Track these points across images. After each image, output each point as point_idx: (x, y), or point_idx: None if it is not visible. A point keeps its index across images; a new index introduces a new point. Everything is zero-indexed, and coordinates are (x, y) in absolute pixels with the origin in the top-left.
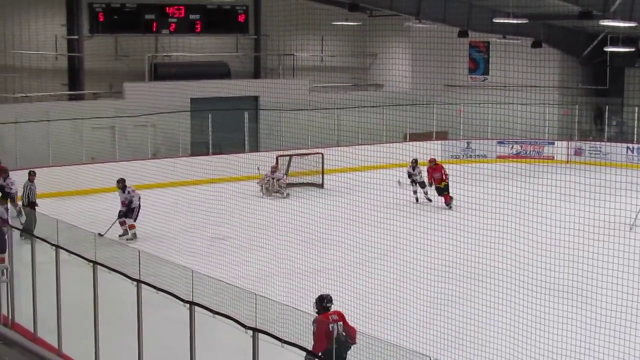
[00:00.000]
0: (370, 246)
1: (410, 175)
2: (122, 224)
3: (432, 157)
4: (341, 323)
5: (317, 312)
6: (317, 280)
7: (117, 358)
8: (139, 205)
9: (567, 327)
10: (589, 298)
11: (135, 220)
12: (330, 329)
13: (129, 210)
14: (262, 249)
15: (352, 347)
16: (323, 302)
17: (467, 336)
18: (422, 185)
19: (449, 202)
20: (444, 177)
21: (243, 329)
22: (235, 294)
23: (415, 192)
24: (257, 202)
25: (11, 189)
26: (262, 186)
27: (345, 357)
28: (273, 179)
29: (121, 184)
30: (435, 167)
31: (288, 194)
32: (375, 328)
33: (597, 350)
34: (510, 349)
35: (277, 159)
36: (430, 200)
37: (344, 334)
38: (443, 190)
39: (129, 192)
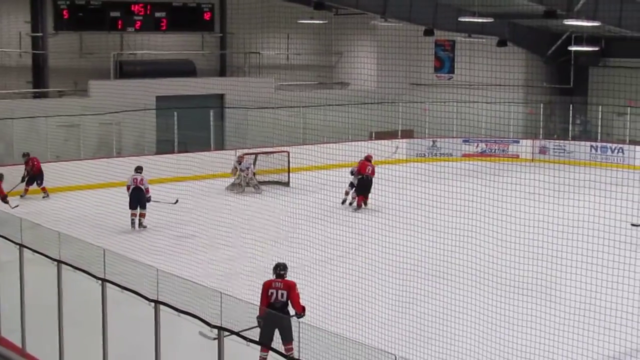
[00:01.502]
0: (335, 244)
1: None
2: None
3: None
4: (284, 292)
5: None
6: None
7: (81, 357)
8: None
9: (531, 325)
10: (552, 295)
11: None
12: (269, 294)
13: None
14: (228, 247)
15: (300, 321)
16: (276, 270)
17: (432, 334)
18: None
19: (360, 203)
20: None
21: (208, 328)
22: (201, 292)
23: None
24: (223, 200)
25: None
26: (240, 180)
27: (287, 326)
28: (242, 170)
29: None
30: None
31: (261, 190)
32: (341, 326)
33: (560, 347)
34: (475, 347)
35: (240, 157)
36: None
37: (282, 301)
38: (363, 190)
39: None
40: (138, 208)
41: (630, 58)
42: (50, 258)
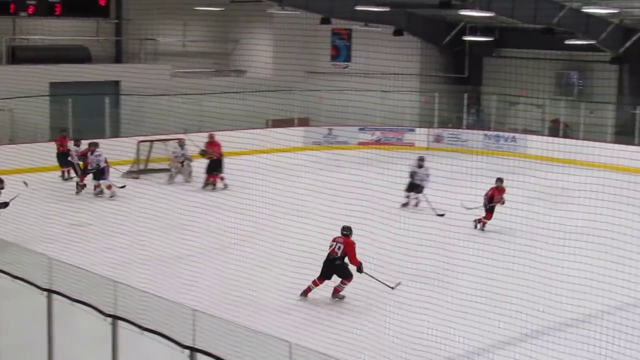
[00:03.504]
0: (230, 232)
1: None
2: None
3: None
4: (341, 246)
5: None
6: (178, 266)
7: None
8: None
9: (426, 311)
10: (446, 282)
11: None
12: (330, 247)
13: (99, 172)
14: (122, 235)
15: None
16: (342, 231)
17: (326, 321)
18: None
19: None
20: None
21: (102, 317)
22: (95, 281)
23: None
24: (118, 188)
25: None
26: (175, 171)
27: (341, 270)
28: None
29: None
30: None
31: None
32: (236, 314)
33: (453, 332)
34: (371, 333)
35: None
36: None
37: (337, 253)
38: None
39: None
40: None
41: (523, 49)
42: None
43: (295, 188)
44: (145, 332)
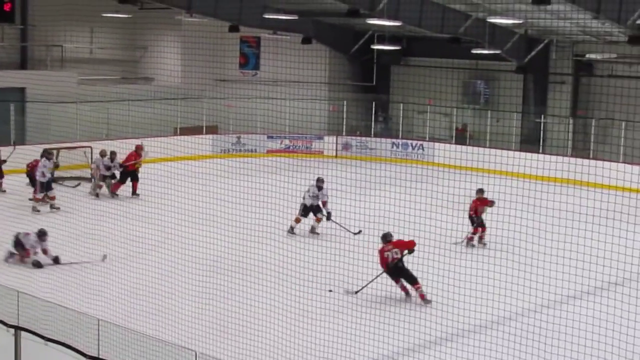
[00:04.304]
0: (136, 241)
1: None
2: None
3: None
4: (397, 250)
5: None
6: (83, 274)
7: None
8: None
9: (333, 319)
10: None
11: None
12: (386, 257)
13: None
14: None
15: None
16: (385, 238)
17: (232, 330)
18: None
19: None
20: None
21: (5, 328)
22: None
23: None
24: (20, 197)
25: None
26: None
27: (407, 274)
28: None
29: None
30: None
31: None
32: (142, 324)
33: (361, 341)
34: (276, 342)
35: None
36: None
37: (396, 258)
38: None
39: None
40: None
41: (430, 57)
42: None
43: (202, 196)
44: (49, 343)
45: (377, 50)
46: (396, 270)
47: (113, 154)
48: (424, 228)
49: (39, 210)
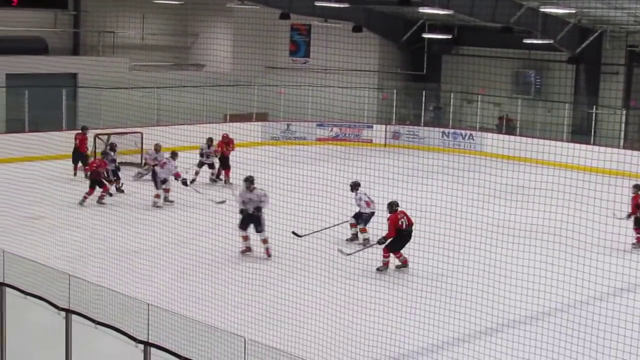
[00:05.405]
0: (185, 227)
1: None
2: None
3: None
4: (405, 218)
5: (389, 213)
6: (133, 260)
7: None
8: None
9: (379, 307)
10: (401, 279)
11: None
12: (400, 224)
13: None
14: (77, 229)
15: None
16: (392, 207)
17: (281, 317)
18: (211, 166)
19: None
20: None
21: (56, 311)
22: (49, 274)
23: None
24: (73, 182)
25: None
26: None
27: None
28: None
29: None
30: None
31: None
32: (191, 309)
33: (411, 329)
34: (324, 329)
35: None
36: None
37: (409, 223)
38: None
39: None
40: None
41: (481, 47)
42: None
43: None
44: (99, 326)
45: (428, 39)
46: (408, 237)
47: (210, 140)
48: (475, 218)
49: (160, 206)
